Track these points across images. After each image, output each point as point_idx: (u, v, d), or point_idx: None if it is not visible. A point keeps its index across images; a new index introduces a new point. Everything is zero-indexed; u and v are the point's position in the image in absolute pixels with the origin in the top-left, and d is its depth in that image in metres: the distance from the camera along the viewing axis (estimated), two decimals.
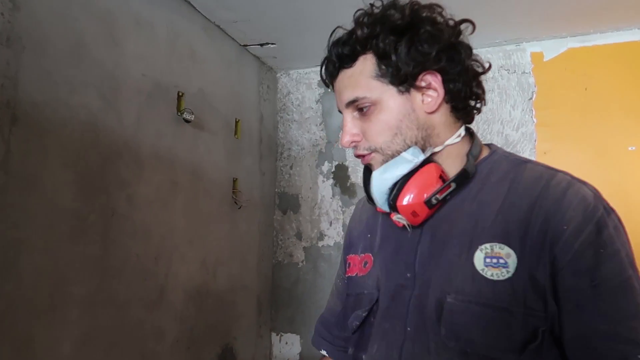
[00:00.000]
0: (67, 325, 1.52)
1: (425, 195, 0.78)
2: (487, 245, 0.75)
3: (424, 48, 0.80)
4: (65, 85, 1.56)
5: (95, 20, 1.69)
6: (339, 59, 0.85)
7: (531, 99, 2.69)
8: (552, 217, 0.72)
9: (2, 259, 1.33)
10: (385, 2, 0.84)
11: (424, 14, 0.82)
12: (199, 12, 2.32)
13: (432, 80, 0.83)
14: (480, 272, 0.73)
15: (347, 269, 0.98)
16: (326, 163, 3.06)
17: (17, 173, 1.38)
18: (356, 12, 0.85)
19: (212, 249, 2.32)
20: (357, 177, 2.97)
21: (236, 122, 2.62)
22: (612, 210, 0.76)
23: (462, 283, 0.74)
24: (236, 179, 2.57)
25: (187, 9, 2.24)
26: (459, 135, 0.86)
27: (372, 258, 0.91)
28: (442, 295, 0.75)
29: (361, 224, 1.01)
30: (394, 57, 0.80)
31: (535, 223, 0.73)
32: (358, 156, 0.86)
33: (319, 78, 3.14)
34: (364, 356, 0.87)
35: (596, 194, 0.76)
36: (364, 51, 0.83)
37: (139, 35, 1.92)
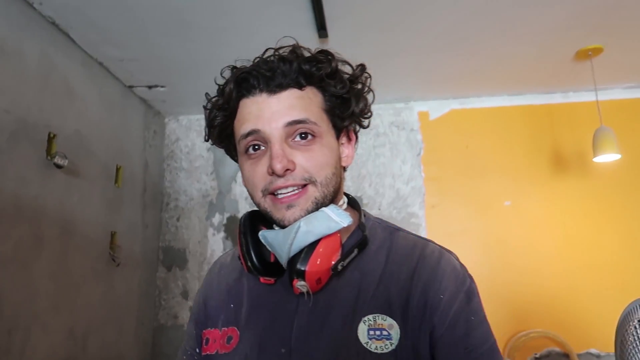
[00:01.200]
0: None
1: (332, 262, 0.72)
2: (370, 316, 0.72)
3: (359, 108, 0.80)
4: None
5: None
6: (287, 76, 0.75)
7: (419, 154, 2.81)
8: (429, 287, 0.72)
9: None
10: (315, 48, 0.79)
11: (364, 76, 0.81)
12: (78, 45, 2.08)
13: (351, 138, 0.83)
14: (365, 345, 0.70)
15: (205, 346, 0.83)
16: (217, 215, 2.88)
17: None
18: (276, 50, 0.78)
19: (82, 315, 1.98)
20: None
21: (117, 169, 2.36)
22: (473, 278, 0.77)
23: (347, 357, 0.70)
24: (115, 232, 2.28)
25: (65, 41, 2.00)
26: (345, 197, 0.84)
27: (239, 332, 0.79)
28: None
29: (220, 293, 0.87)
30: (341, 105, 0.78)
31: (415, 292, 0.72)
32: (284, 188, 0.73)
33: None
34: None
35: (462, 264, 0.78)
36: (313, 84, 0.77)
37: (3, 65, 1.64)
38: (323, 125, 0.76)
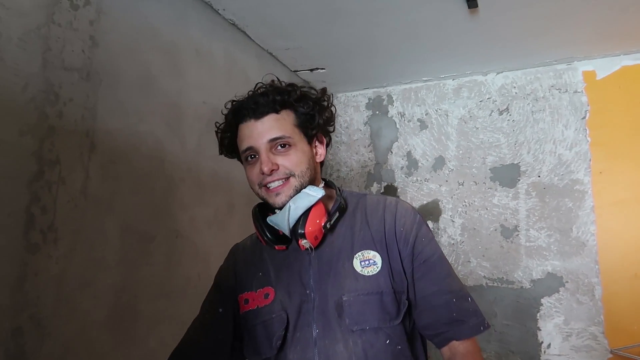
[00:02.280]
0: (136, 341, 1.59)
1: (322, 223, 1.06)
2: (359, 253, 1.06)
3: (324, 120, 1.14)
4: (135, 115, 1.66)
5: (160, 52, 1.80)
6: (267, 105, 1.07)
7: (584, 118, 2.64)
8: (394, 224, 1.08)
9: (81, 279, 1.42)
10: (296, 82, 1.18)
11: (324, 100, 1.16)
12: (253, 40, 2.42)
13: (321, 141, 1.17)
14: (360, 272, 1.04)
15: (245, 305, 1.13)
16: (375, 184, 3.08)
17: (94, 198, 1.47)
18: (264, 84, 1.15)
19: None
20: (406, 197, 2.98)
21: None
22: (421, 215, 1.15)
23: (350, 284, 1.03)
24: None
25: (243, 38, 2.35)
26: (323, 180, 1.18)
27: (273, 289, 1.10)
28: (338, 297, 1.02)
29: (246, 266, 1.18)
30: (308, 120, 1.11)
31: (386, 230, 1.08)
32: (272, 182, 1.05)
33: (367, 100, 3.19)
34: None
35: (413, 207, 1.15)
36: (286, 107, 1.10)
37: (200, 65, 2.02)
38: (295, 136, 1.09)
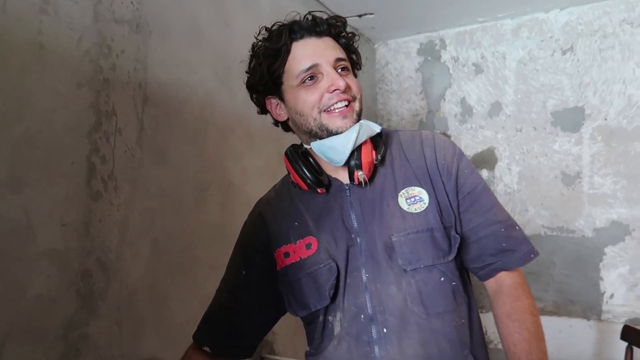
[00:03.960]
0: (196, 286, 1.68)
1: (374, 155, 1.01)
2: (403, 190, 1.01)
3: (356, 56, 1.10)
4: (185, 66, 1.68)
5: (207, 1, 1.79)
6: (326, 25, 1.01)
7: None
8: (435, 157, 1.03)
9: (141, 226, 1.49)
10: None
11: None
12: None
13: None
14: (407, 210, 0.99)
15: (285, 259, 1.05)
16: None
17: (149, 148, 1.53)
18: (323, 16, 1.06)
19: None
20: (459, 145, 2.89)
21: None
22: (457, 145, 1.09)
23: (398, 223, 0.98)
24: None
25: None
26: None
27: (316, 238, 1.03)
28: (387, 238, 0.98)
29: (281, 218, 1.09)
30: (352, 54, 1.08)
31: (428, 164, 1.03)
32: (339, 102, 0.98)
33: (419, 46, 3.07)
34: (338, 313, 1.00)
35: (449, 138, 1.09)
36: (339, 36, 1.04)
37: (246, 14, 2.00)
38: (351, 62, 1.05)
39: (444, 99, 3.01)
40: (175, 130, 1.63)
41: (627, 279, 2.47)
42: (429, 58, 3.08)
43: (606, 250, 2.52)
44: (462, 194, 1.02)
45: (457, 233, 1.01)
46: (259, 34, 1.07)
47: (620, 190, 2.49)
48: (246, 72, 1.10)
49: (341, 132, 0.97)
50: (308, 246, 1.03)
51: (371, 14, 2.69)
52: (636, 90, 2.46)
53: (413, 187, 1.01)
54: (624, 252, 2.48)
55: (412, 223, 0.98)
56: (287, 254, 1.05)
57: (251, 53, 1.08)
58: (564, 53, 2.66)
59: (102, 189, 1.37)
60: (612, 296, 2.51)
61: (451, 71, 3.00)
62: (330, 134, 0.98)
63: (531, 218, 2.72)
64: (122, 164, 1.43)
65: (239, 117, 1.92)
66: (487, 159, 2.87)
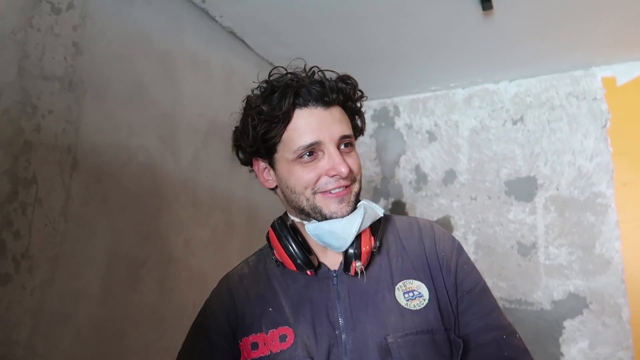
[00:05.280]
0: None
1: (372, 243, 0.90)
2: (400, 283, 0.89)
3: (361, 123, 0.98)
4: (124, 128, 1.52)
5: (153, 61, 1.67)
6: (335, 92, 0.87)
7: (605, 126, 2.49)
8: (435, 249, 0.93)
9: (60, 313, 1.26)
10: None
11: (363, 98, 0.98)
12: (252, 50, 2.29)
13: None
14: (405, 306, 0.86)
15: (253, 351, 0.88)
16: (382, 199, 2.93)
17: (76, 220, 1.33)
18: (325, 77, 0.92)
19: None
20: (414, 213, 2.83)
21: None
22: (455, 237, 1.01)
23: (395, 321, 0.85)
24: None
25: (241, 47, 2.22)
26: None
27: (292, 329, 0.87)
28: (382, 338, 0.83)
29: (253, 301, 0.93)
30: (358, 122, 0.96)
31: (427, 255, 0.92)
32: (339, 187, 0.86)
33: (372, 112, 3.05)
34: None
35: (444, 229, 1.00)
36: (347, 102, 0.91)
37: (196, 74, 1.89)
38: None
39: (399, 166, 2.96)
40: (108, 199, 1.44)
41: (587, 354, 2.39)
42: (383, 124, 3.06)
43: (565, 324, 2.45)
44: (460, 292, 0.91)
45: (459, 337, 0.89)
46: (257, 89, 0.93)
47: (575, 261, 2.47)
48: (235, 127, 0.96)
49: (335, 218, 0.86)
50: (282, 338, 0.87)
51: None
52: (585, 161, 2.51)
53: (411, 280, 0.90)
54: (582, 325, 2.42)
55: (411, 322, 0.85)
56: (255, 345, 0.89)
57: (244, 106, 0.94)
58: (514, 123, 2.70)
59: (12, 270, 1.15)
60: None
61: (405, 138, 2.98)
62: (325, 218, 0.87)
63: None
64: (40, 240, 1.22)
65: (184, 183, 1.75)
66: (442, 227, 2.80)
